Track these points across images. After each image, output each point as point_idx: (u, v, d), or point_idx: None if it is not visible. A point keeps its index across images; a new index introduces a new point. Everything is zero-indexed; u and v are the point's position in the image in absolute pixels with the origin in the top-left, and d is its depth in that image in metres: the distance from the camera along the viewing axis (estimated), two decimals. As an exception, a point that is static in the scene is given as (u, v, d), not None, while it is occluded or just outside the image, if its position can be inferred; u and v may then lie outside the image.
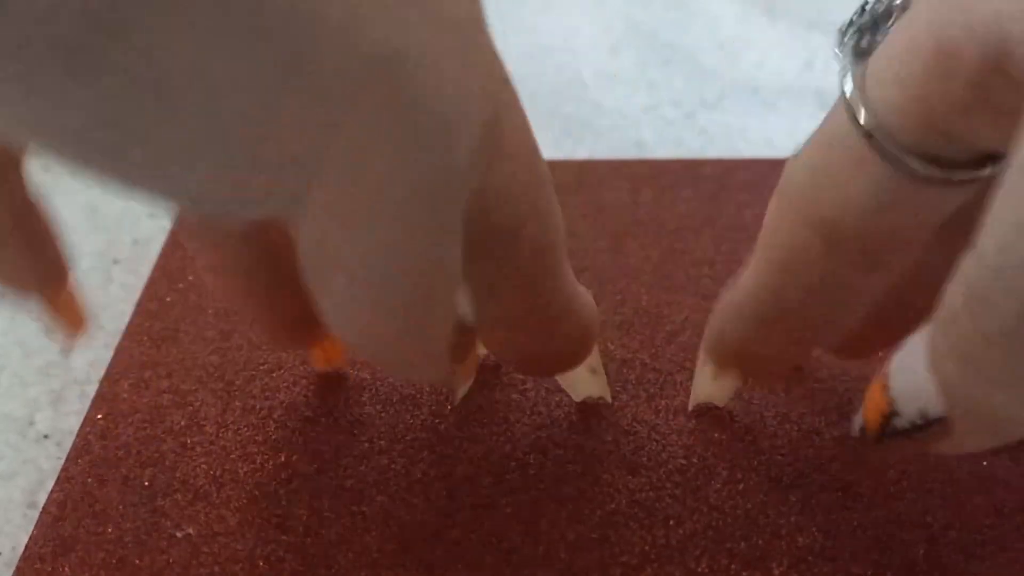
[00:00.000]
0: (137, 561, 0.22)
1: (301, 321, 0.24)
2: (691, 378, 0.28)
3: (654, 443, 0.26)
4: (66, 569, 0.22)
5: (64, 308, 0.24)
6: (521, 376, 0.28)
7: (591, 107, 0.47)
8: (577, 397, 0.27)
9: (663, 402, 0.27)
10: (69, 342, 0.25)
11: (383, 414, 0.26)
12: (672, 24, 0.52)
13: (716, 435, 0.26)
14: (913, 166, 0.19)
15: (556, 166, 0.40)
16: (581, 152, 0.44)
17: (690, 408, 0.27)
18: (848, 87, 0.20)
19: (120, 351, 0.29)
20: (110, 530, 0.23)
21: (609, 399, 0.27)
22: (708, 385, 0.26)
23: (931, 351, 0.19)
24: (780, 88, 0.47)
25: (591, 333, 0.24)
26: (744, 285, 0.23)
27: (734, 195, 0.38)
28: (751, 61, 0.49)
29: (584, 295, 0.24)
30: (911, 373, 0.20)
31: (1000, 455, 0.25)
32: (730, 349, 0.24)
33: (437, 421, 0.26)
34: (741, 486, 0.24)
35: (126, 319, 0.31)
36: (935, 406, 0.19)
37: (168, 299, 0.31)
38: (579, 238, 0.34)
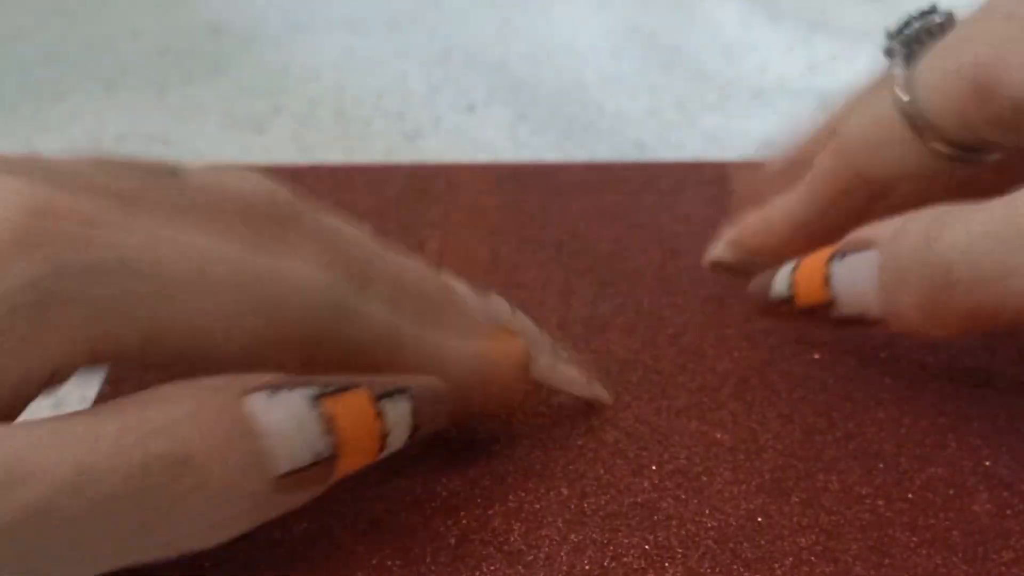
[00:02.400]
0: (136, 569, 0.22)
1: None
2: (693, 379, 0.28)
3: (656, 444, 0.26)
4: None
5: None
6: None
7: (593, 109, 0.47)
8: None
9: (665, 403, 0.27)
10: None
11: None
12: (674, 27, 0.52)
13: (718, 436, 0.26)
14: (942, 150, 0.25)
15: (558, 168, 0.40)
16: (582, 154, 0.44)
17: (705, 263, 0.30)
18: (899, 89, 0.25)
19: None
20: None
21: (606, 400, 0.27)
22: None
23: (886, 279, 0.24)
24: (782, 90, 0.47)
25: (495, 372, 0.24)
26: (783, 204, 0.29)
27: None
28: (753, 63, 0.49)
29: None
30: (860, 284, 0.24)
31: (1002, 455, 0.25)
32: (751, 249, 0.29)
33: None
34: (743, 487, 0.24)
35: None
36: (875, 311, 0.24)
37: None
38: (580, 240, 0.34)
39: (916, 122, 0.25)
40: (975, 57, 0.23)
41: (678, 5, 0.54)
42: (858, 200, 0.27)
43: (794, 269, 0.26)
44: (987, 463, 0.25)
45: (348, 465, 0.20)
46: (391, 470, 0.25)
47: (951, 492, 0.24)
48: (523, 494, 0.24)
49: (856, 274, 0.24)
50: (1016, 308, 0.22)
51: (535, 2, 0.54)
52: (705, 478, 0.25)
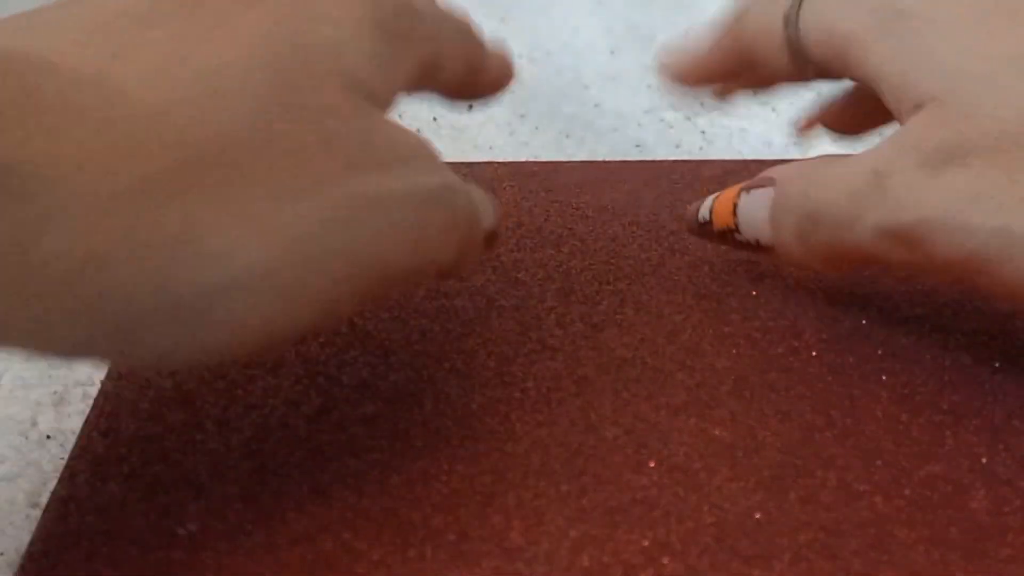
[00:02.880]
0: (140, 557, 0.22)
1: None
2: (692, 377, 0.28)
3: (655, 441, 0.26)
4: (69, 565, 0.22)
5: None
6: (522, 374, 0.28)
7: (591, 108, 0.47)
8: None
9: (664, 400, 0.27)
10: None
11: (384, 412, 0.26)
12: (672, 26, 0.52)
13: (717, 433, 0.26)
14: (809, 71, 0.30)
15: (556, 167, 0.40)
16: (581, 153, 0.44)
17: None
18: (788, 17, 0.30)
19: (122, 351, 0.29)
20: (113, 527, 0.23)
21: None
22: None
23: (775, 215, 0.29)
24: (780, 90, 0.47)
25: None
26: (695, 47, 0.33)
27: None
28: (751, 63, 0.49)
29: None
30: (757, 214, 0.29)
31: (1000, 453, 0.25)
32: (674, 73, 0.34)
33: (438, 419, 0.26)
34: (742, 484, 0.24)
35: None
36: (766, 239, 0.29)
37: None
38: (580, 239, 0.34)
39: (792, 45, 0.30)
40: (835, 33, 0.28)
41: (676, 5, 0.54)
42: (749, 66, 0.32)
43: (715, 199, 0.31)
44: (984, 460, 0.25)
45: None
46: (391, 465, 0.25)
47: (949, 489, 0.24)
48: (522, 491, 0.24)
49: (755, 206, 0.29)
50: (860, 249, 0.27)
51: (534, 1, 0.54)
52: (704, 475, 0.25)
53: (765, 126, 0.45)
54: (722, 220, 0.30)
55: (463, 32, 0.29)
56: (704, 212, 0.31)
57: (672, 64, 0.34)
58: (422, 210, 0.23)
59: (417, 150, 0.25)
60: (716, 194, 0.31)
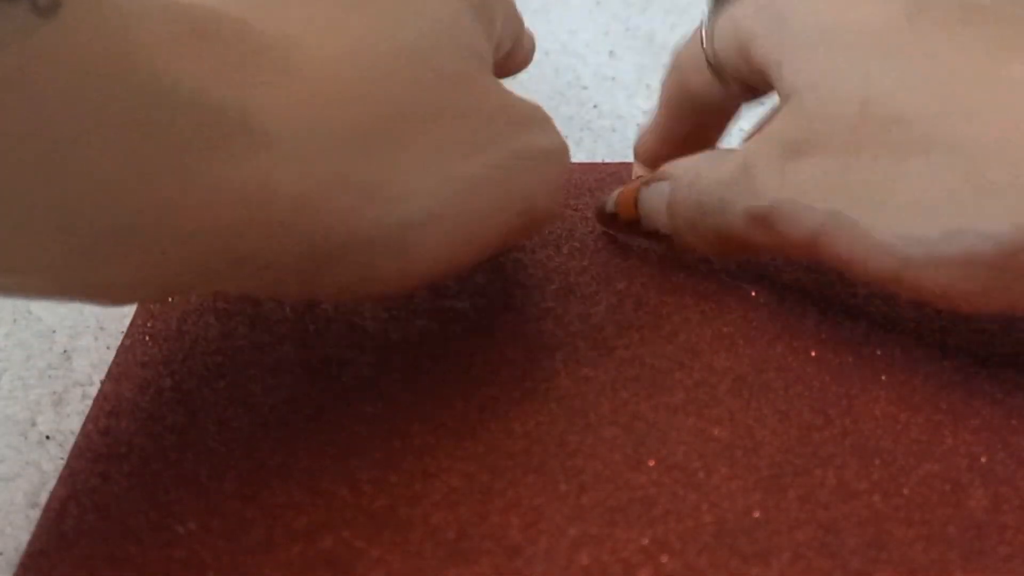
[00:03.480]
0: (140, 557, 0.22)
1: None
2: (690, 376, 0.28)
3: (654, 440, 0.26)
4: (69, 564, 0.22)
5: None
6: (520, 373, 0.28)
7: (590, 110, 0.47)
8: None
9: (663, 399, 0.27)
10: None
11: (383, 412, 0.26)
12: (670, 28, 0.52)
13: (716, 432, 0.26)
14: (734, 86, 0.32)
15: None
16: (580, 155, 0.44)
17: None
18: (705, 37, 0.32)
19: (122, 351, 0.29)
20: (113, 526, 0.23)
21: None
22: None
23: (670, 205, 0.31)
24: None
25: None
26: (652, 122, 0.36)
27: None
28: (749, 64, 0.49)
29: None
30: (655, 206, 0.31)
31: (998, 451, 0.25)
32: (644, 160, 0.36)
33: (437, 418, 0.26)
34: (740, 482, 0.24)
35: (127, 321, 0.31)
36: (665, 228, 0.31)
37: (169, 300, 0.31)
38: (579, 239, 0.34)
39: (712, 63, 0.32)
40: (739, 32, 0.30)
41: (674, 6, 0.55)
42: (694, 111, 0.34)
43: (619, 192, 0.33)
44: (983, 459, 0.25)
45: None
46: (390, 464, 0.25)
47: (947, 488, 0.24)
48: (521, 489, 0.24)
49: (654, 199, 0.32)
50: (737, 234, 0.29)
51: (533, 2, 0.54)
52: (702, 474, 0.25)
53: (763, 127, 0.45)
54: (626, 212, 0.33)
55: (512, 8, 0.32)
56: (611, 205, 0.33)
57: (640, 149, 0.36)
58: (556, 164, 0.28)
59: (538, 111, 0.29)
60: (620, 188, 0.33)
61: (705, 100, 0.33)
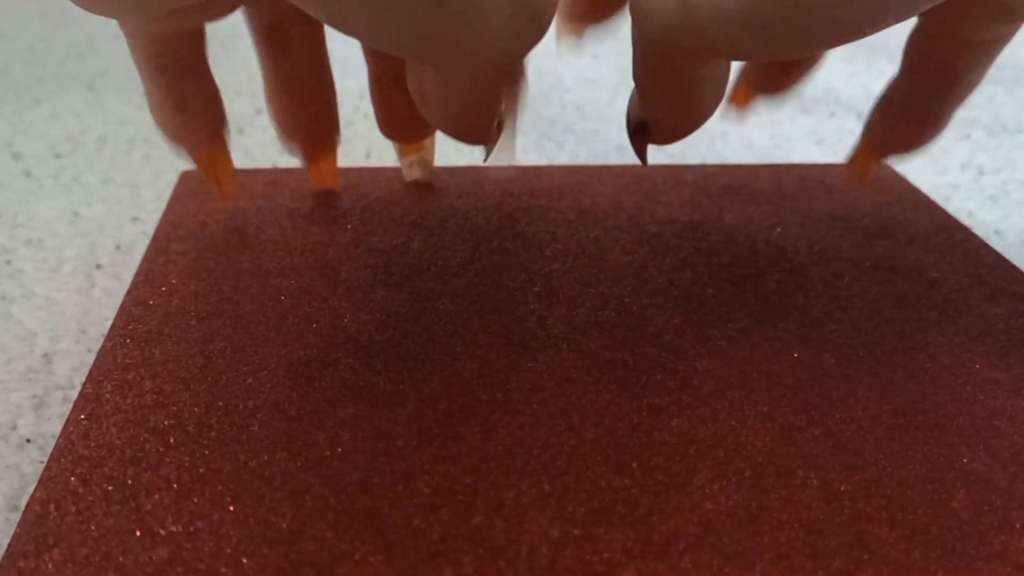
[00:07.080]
0: (121, 558, 0.22)
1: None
2: (674, 378, 0.28)
3: (637, 441, 0.26)
4: (49, 566, 0.22)
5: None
6: (503, 376, 0.28)
7: (573, 111, 0.47)
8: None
9: (646, 401, 0.27)
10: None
11: (366, 414, 0.26)
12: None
13: (699, 433, 0.26)
14: None
15: (538, 171, 0.40)
16: (563, 157, 0.44)
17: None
18: None
19: (103, 353, 0.29)
20: (93, 528, 0.23)
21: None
22: None
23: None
24: (761, 94, 0.47)
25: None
26: None
27: (715, 199, 0.38)
28: (732, 67, 0.49)
29: None
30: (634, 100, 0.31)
31: (980, 453, 0.25)
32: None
33: (420, 420, 0.26)
34: (724, 484, 0.24)
35: (108, 324, 0.31)
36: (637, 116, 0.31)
37: (151, 302, 0.31)
38: (561, 242, 0.34)
39: None
40: None
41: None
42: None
43: None
44: (965, 460, 0.25)
45: None
46: (373, 466, 0.25)
47: (929, 489, 0.24)
48: (504, 491, 0.24)
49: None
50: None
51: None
52: (685, 475, 0.25)
53: (745, 128, 0.45)
54: (633, 120, 0.32)
55: None
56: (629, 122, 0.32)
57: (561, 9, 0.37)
58: None
59: None
60: None
61: None
